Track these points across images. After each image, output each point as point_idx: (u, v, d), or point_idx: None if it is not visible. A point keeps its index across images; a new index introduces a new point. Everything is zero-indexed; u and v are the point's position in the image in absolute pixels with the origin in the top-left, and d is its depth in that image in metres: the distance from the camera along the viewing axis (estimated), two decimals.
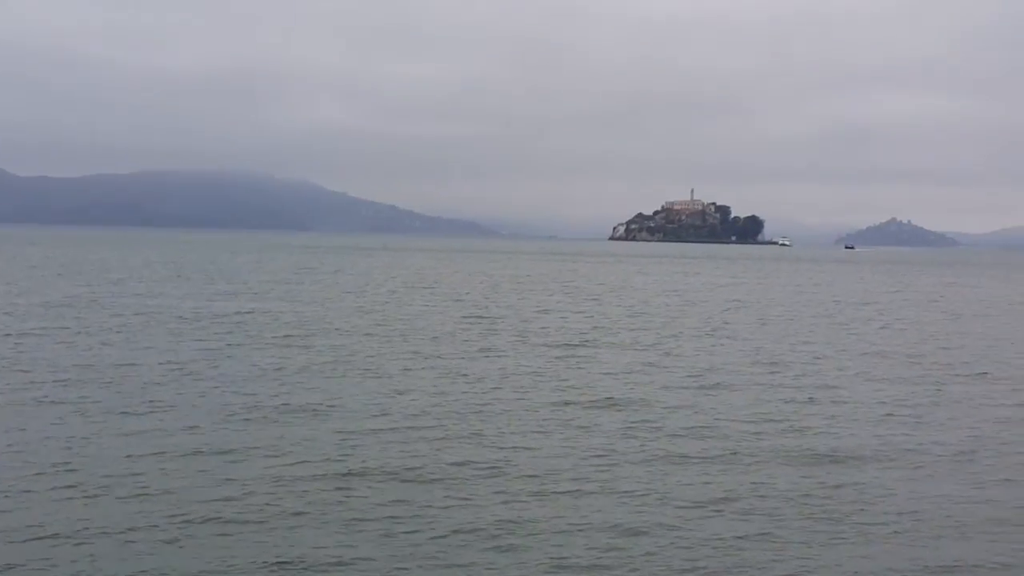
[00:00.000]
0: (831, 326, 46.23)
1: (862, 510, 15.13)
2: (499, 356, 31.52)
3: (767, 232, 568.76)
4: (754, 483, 16.37)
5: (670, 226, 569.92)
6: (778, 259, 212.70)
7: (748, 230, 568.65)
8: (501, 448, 18.08)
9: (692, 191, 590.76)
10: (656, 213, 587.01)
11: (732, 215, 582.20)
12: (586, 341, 36.20)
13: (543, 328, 41.09)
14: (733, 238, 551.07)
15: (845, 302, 66.13)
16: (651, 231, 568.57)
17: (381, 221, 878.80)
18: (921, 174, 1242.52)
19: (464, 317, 45.21)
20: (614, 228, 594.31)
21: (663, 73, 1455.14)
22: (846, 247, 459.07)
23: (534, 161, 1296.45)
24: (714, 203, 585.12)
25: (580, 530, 13.74)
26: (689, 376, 27.62)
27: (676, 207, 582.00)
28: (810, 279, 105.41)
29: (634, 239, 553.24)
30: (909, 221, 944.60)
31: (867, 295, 74.84)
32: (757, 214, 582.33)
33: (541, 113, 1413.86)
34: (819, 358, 33.43)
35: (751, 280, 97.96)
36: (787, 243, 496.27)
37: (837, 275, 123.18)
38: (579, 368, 29.06)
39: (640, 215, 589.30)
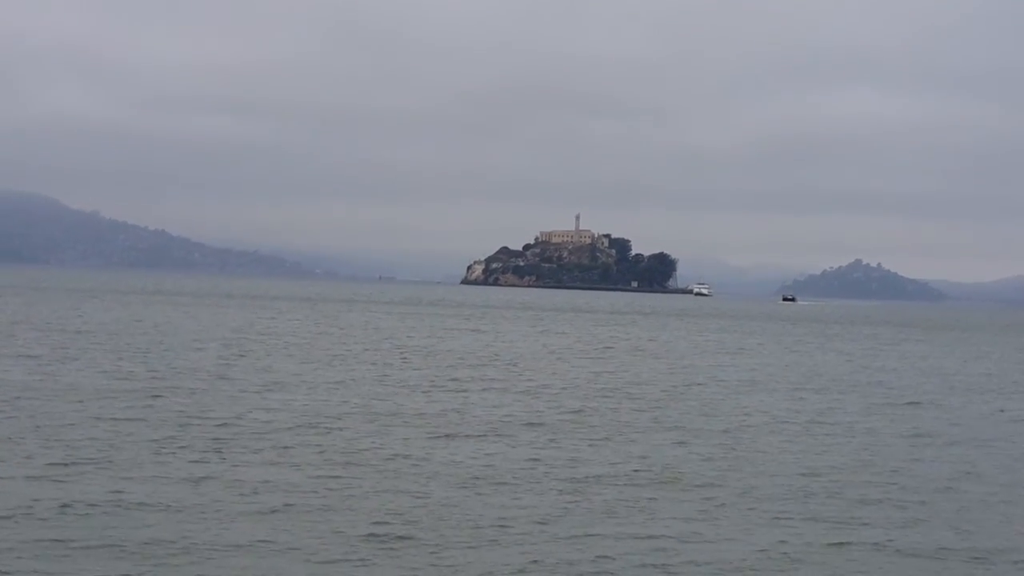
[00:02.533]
0: None
1: None
2: None
3: (681, 276, 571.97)
4: None
5: (547, 265, 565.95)
6: (681, 315, 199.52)
7: (655, 273, 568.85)
8: None
9: (578, 218, 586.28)
10: (528, 247, 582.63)
11: (633, 252, 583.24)
12: None
13: None
14: (634, 283, 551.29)
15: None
16: (520, 272, 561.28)
17: (146, 253, 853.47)
18: (897, 201, 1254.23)
19: None
20: (469, 267, 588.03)
21: (539, 61, 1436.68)
22: (784, 298, 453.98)
23: (359, 175, 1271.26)
24: (608, 235, 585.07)
25: None
26: None
27: (555, 239, 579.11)
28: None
29: (496, 282, 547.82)
30: (879, 264, 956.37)
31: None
32: (667, 251, 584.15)
33: (370, 112, 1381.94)
34: None
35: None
36: (706, 292, 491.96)
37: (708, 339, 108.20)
38: None
39: (505, 250, 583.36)
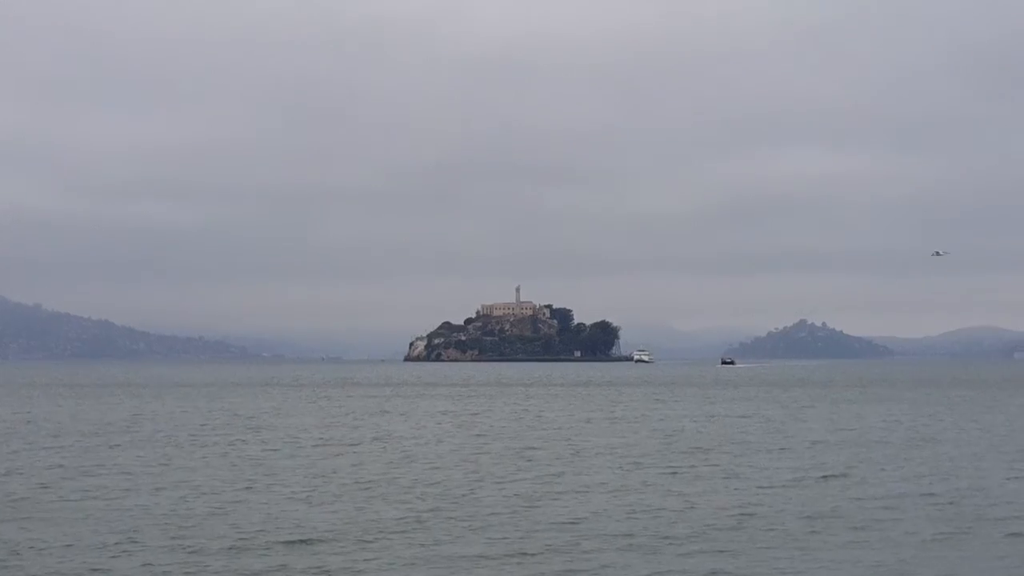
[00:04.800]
0: None
1: None
2: None
3: (626, 344, 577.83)
4: None
5: (488, 339, 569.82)
6: (607, 384, 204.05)
7: (597, 342, 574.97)
8: None
9: (518, 290, 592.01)
10: (469, 321, 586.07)
11: (575, 321, 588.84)
12: None
13: None
14: (577, 353, 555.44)
15: None
16: (462, 346, 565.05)
17: (91, 343, 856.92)
18: (842, 259, 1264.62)
19: None
20: (411, 344, 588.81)
21: (489, 133, 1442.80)
22: (723, 362, 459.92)
23: (303, 256, 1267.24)
24: (549, 305, 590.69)
25: None
26: None
27: (497, 312, 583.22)
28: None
29: (439, 358, 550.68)
30: (824, 324, 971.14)
31: None
32: (614, 319, 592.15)
33: (313, 190, 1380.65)
34: None
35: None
36: (646, 358, 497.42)
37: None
38: None
39: (447, 324, 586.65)
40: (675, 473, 49.75)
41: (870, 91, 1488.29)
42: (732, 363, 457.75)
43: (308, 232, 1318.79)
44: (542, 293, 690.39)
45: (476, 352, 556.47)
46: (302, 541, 32.73)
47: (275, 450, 61.43)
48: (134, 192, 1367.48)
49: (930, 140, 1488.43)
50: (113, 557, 30.41)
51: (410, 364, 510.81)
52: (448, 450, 61.85)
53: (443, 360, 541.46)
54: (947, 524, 35.80)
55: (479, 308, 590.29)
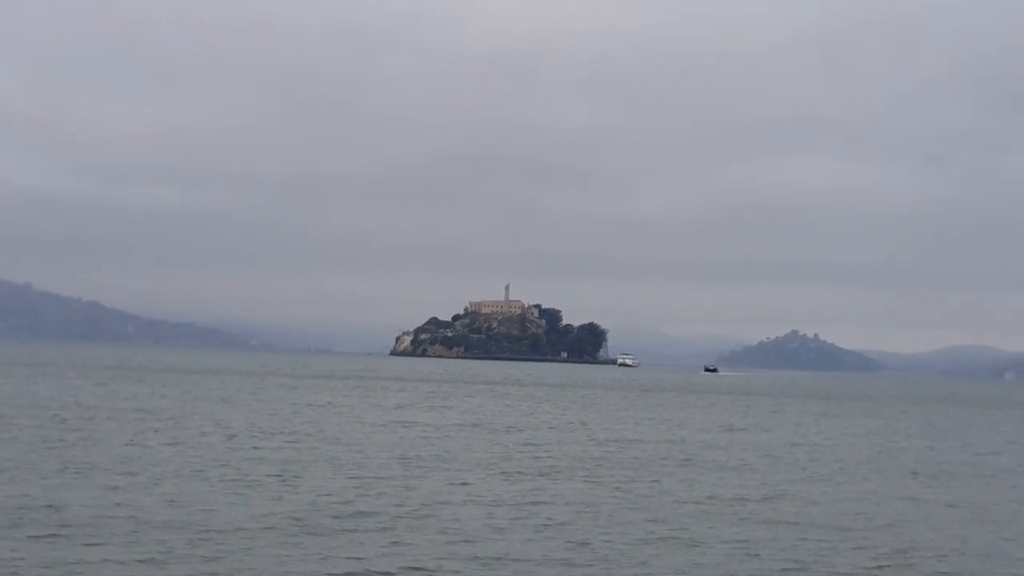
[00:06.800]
0: None
1: None
2: None
3: (614, 347, 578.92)
4: None
5: (475, 336, 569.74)
6: (584, 386, 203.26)
7: (584, 343, 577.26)
8: None
9: (507, 288, 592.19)
10: (457, 318, 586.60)
11: (563, 322, 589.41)
12: None
13: None
14: (564, 354, 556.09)
15: None
16: (448, 343, 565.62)
17: (80, 325, 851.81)
18: (837, 271, 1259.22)
19: None
20: (398, 339, 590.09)
21: (490, 130, 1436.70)
22: (706, 369, 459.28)
23: (297, 246, 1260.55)
24: (538, 305, 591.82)
25: None
26: None
27: (485, 309, 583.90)
28: None
29: (424, 353, 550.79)
30: (816, 335, 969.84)
31: None
32: (604, 322, 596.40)
33: (311, 180, 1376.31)
34: None
35: None
36: (631, 362, 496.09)
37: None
38: None
39: (434, 320, 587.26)
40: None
41: (872, 103, 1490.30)
42: (715, 371, 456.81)
43: (303, 222, 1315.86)
44: (534, 293, 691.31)
45: (462, 349, 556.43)
46: None
47: None
48: (130, 175, 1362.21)
49: (931, 155, 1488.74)
50: None
51: (399, 359, 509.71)
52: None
53: (428, 355, 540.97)
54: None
55: (467, 305, 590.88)
